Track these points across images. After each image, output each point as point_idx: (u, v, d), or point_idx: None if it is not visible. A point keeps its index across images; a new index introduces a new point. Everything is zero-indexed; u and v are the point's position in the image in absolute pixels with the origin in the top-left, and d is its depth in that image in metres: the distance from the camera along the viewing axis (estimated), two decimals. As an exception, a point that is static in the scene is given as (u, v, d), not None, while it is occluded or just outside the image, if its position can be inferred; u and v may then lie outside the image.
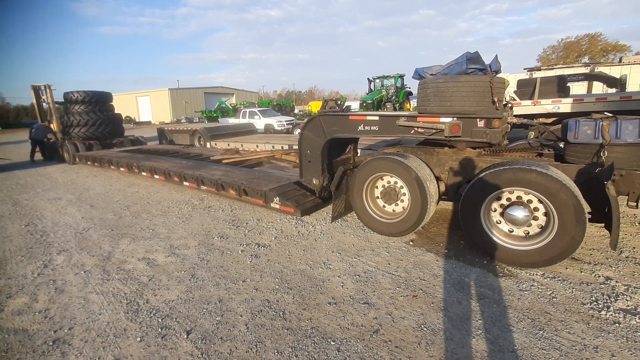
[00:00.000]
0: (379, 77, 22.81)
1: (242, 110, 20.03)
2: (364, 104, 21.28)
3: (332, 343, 2.25)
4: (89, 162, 9.96)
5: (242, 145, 10.43)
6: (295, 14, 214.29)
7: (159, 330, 2.45)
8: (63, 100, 11.83)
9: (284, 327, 2.42)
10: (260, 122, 17.47)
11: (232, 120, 19.54)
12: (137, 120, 40.50)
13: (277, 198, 4.76)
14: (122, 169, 8.34)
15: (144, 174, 7.55)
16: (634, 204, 3.00)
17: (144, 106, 45.67)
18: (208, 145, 11.65)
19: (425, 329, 2.36)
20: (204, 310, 2.66)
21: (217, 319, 2.55)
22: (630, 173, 2.97)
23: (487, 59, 3.72)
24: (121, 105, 35.02)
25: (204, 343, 2.29)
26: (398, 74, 22.03)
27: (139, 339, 2.38)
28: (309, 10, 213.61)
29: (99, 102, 11.94)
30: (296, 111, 34.37)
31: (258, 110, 19.20)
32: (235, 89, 51.69)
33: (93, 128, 11.55)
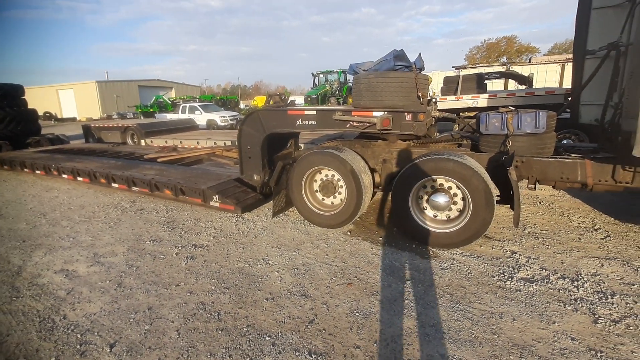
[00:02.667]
0: (323, 72, 23.11)
1: (182, 105, 18.89)
2: (309, 99, 21.41)
3: (268, 338, 2.26)
4: (-5, 166, 8.64)
5: (181, 142, 9.86)
6: (238, 5, 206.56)
7: (78, 347, 2.25)
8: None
9: (218, 329, 2.37)
10: (201, 118, 16.66)
11: (170, 116, 18.36)
12: (58, 117, 36.05)
13: (217, 196, 4.62)
14: (38, 171, 7.39)
15: (64, 176, 6.78)
16: (532, 186, 3.46)
17: (67, 100, 40.72)
18: (143, 142, 10.82)
19: (357, 314, 2.48)
20: (131, 320, 2.50)
21: (145, 328, 2.41)
22: (529, 159, 3.40)
23: (427, 55, 3.97)
24: (39, 100, 30.90)
25: (130, 355, 2.16)
26: (341, 69, 22.50)
27: (53, 359, 2.16)
28: (251, 2, 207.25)
29: (7, 96, 10.36)
30: (241, 106, 33.39)
31: (199, 105, 18.27)
32: (175, 82, 48.44)
33: (1, 126, 10.04)
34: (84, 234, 4.19)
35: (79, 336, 2.35)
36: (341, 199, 4.00)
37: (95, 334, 2.37)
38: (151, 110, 25.77)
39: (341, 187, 3.97)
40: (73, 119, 35.93)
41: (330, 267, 3.16)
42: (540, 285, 2.73)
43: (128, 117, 28.09)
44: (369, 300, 2.64)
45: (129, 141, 11.38)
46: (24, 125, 10.56)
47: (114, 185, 5.87)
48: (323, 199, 4.14)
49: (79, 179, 6.48)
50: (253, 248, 3.60)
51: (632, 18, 3.51)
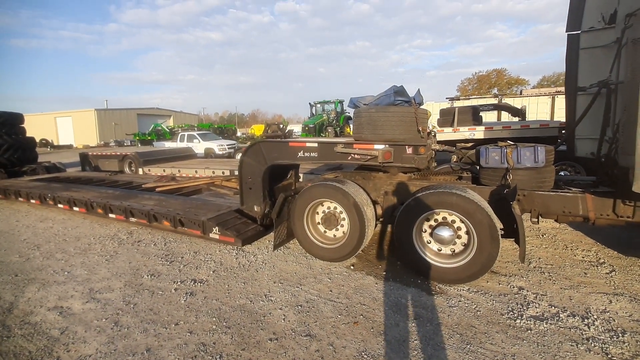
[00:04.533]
0: (320, 102, 23.70)
1: (180, 134, 19.13)
2: (306, 128, 21.80)
3: (273, 383, 2.16)
4: (-11, 194, 8.51)
5: (179, 171, 9.88)
6: (237, 38, 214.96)
7: (71, 394, 2.12)
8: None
9: (220, 372, 2.26)
10: (200, 146, 16.80)
11: (168, 144, 18.50)
12: (55, 144, 36.14)
13: (217, 228, 4.56)
14: (33, 200, 7.29)
15: (60, 206, 6.69)
16: (535, 220, 3.47)
17: (64, 128, 41.05)
18: (140, 171, 10.82)
19: (365, 356, 2.39)
20: (129, 363, 2.38)
21: (143, 372, 2.29)
22: (531, 193, 3.44)
23: (421, 87, 4.10)
24: (37, 127, 31.10)
25: (127, 403, 2.03)
26: (338, 99, 23.12)
27: (43, 408, 2.03)
28: (250, 35, 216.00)
29: (6, 124, 10.44)
30: (239, 134, 33.83)
31: (197, 134, 18.49)
32: (173, 110, 49.34)
33: (-2, 154, 10.01)
34: (79, 267, 4.07)
35: (72, 382, 2.22)
36: (344, 232, 3.97)
37: (90, 379, 2.24)
38: (149, 138, 25.98)
39: (344, 219, 3.95)
40: (69, 147, 36.05)
41: (334, 304, 3.08)
42: (550, 324, 2.67)
43: (125, 144, 28.27)
44: (377, 340, 2.55)
45: (127, 170, 11.37)
46: (21, 153, 10.57)
47: (111, 215, 5.79)
48: (325, 232, 4.10)
49: (75, 208, 6.39)
50: (254, 283, 3.51)
51: (619, 58, 3.70)
